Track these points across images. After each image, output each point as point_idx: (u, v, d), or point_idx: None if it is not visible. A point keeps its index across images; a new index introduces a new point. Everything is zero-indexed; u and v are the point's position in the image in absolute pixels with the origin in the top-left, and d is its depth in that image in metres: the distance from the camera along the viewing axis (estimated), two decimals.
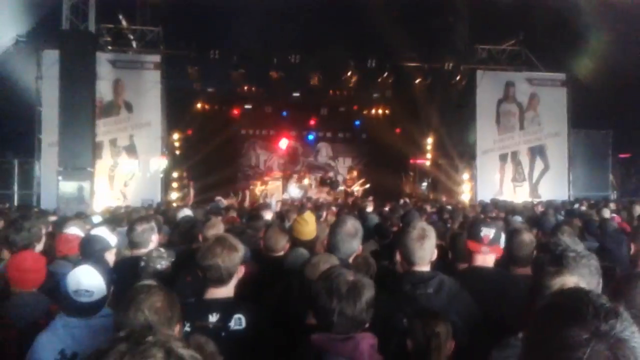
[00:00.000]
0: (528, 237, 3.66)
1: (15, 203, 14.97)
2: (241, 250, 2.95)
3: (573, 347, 1.19)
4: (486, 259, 3.43)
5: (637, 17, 15.51)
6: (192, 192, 18.49)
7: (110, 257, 4.22)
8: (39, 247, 4.40)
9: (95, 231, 4.24)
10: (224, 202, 13.24)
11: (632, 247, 3.15)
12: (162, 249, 3.97)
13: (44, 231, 4.70)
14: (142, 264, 3.72)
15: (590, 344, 1.18)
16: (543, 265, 2.54)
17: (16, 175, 16.03)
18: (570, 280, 2.26)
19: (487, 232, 3.43)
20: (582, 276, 2.36)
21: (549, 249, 2.71)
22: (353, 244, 3.53)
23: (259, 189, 19.75)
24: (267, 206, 9.35)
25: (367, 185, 20.41)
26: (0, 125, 14.53)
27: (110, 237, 4.39)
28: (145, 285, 2.44)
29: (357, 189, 19.61)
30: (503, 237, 3.51)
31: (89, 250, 4.04)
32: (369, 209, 9.86)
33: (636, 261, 3.10)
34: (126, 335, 1.17)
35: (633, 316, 1.24)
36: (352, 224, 3.59)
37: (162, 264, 3.72)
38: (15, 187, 15.99)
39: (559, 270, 2.33)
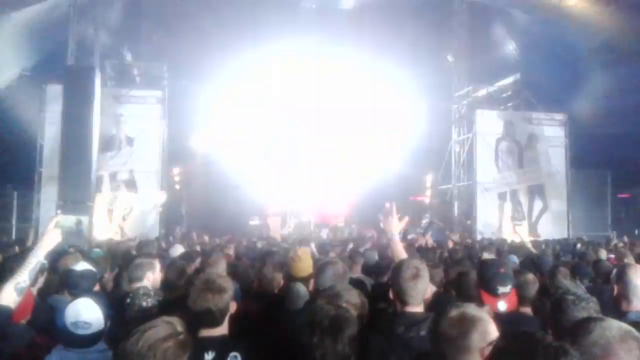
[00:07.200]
0: (531, 276, 3.66)
1: (13, 236, 14.86)
2: (230, 288, 2.93)
3: None
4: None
5: (636, 58, 15.73)
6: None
7: (96, 289, 4.19)
8: (41, 280, 4.33)
9: (80, 266, 4.18)
10: None
11: (615, 289, 3.10)
12: (149, 287, 3.96)
13: (47, 265, 4.65)
14: (128, 300, 3.72)
15: None
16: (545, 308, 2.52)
17: (15, 208, 15.96)
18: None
19: (504, 290, 3.42)
20: None
21: (548, 292, 2.70)
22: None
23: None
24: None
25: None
26: (1, 157, 14.54)
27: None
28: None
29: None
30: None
31: (79, 285, 4.00)
32: (367, 245, 9.73)
33: (618, 304, 3.04)
34: None
35: None
36: (341, 265, 3.60)
37: (148, 301, 3.71)
38: (14, 220, 15.92)
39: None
